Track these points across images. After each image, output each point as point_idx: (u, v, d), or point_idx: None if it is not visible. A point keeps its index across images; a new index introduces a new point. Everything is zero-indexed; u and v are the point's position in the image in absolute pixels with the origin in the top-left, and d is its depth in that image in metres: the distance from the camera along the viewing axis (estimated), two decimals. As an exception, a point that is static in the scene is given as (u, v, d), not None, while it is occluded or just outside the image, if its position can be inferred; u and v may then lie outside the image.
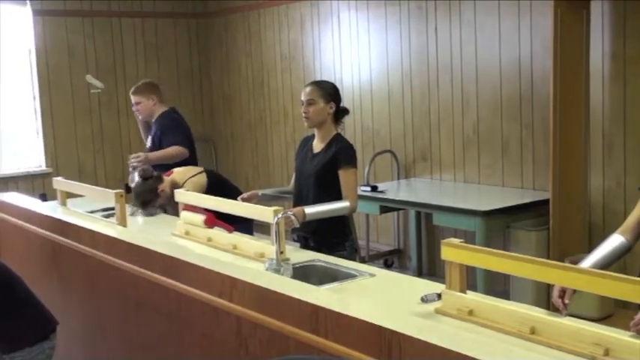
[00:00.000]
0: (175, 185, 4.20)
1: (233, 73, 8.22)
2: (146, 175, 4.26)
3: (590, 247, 3.89)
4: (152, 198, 4.22)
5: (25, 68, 7.52)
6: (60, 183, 4.35)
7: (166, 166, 4.70)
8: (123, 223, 3.69)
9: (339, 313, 2.07)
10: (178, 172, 4.39)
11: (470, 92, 5.68)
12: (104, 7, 7.84)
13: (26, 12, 7.42)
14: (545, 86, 4.88)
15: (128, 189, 4.46)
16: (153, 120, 5.17)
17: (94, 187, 4.31)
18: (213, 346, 2.67)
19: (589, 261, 2.39)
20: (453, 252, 2.27)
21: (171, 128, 5.09)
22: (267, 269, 2.93)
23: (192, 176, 4.33)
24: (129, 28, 8.01)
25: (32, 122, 7.61)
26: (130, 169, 4.79)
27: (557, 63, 4.58)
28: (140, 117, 5.24)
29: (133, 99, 5.17)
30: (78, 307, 3.79)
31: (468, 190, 5.62)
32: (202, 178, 4.35)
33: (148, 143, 5.21)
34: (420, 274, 6.06)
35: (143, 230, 3.69)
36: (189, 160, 4.99)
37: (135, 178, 4.55)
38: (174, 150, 4.97)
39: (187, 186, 4.18)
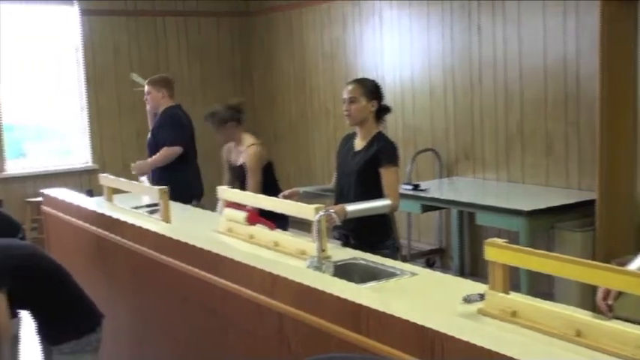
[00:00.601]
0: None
1: (275, 72, 8.25)
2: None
3: (638, 249, 3.82)
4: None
5: (72, 66, 7.66)
6: (106, 179, 4.42)
7: (167, 169, 5.08)
8: (167, 219, 3.73)
9: (380, 312, 2.07)
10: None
11: (514, 90, 5.62)
12: (148, 6, 7.93)
13: (73, 11, 7.56)
14: (592, 84, 4.80)
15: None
16: (158, 112, 5.39)
17: (139, 183, 4.37)
18: (255, 342, 2.69)
19: (636, 263, 2.35)
20: (496, 252, 2.25)
21: (167, 125, 5.29)
22: (308, 267, 2.94)
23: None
24: (172, 27, 8.10)
25: (79, 120, 7.74)
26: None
27: (604, 61, 4.51)
28: (148, 106, 5.49)
29: (146, 88, 5.41)
30: (123, 301, 3.85)
31: (511, 190, 5.56)
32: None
33: (148, 136, 5.44)
34: (462, 273, 6.01)
35: (186, 227, 3.73)
36: (187, 158, 5.25)
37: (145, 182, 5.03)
38: (163, 153, 5.18)
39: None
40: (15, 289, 2.84)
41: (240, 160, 4.47)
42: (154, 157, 5.21)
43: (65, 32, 7.63)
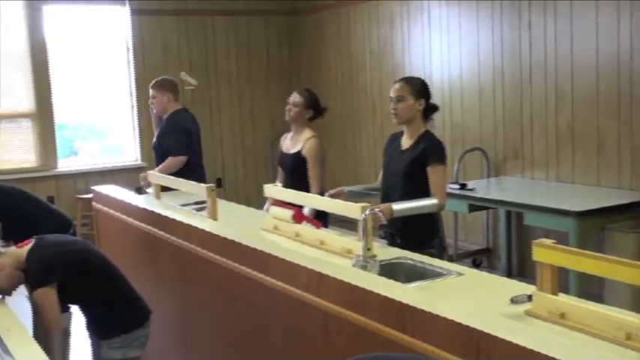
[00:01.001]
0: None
1: (322, 70, 8.27)
2: None
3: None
4: None
5: (123, 66, 7.78)
6: (155, 177, 4.48)
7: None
8: (214, 216, 3.77)
9: (426, 312, 2.06)
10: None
11: (564, 88, 5.53)
12: (198, 6, 8.02)
13: (125, 11, 7.68)
14: (645, 83, 4.70)
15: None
16: (165, 116, 5.32)
17: (186, 181, 4.41)
18: (300, 340, 2.70)
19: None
20: (545, 253, 2.22)
21: (171, 133, 5.23)
22: (353, 265, 2.94)
23: None
24: (221, 26, 8.17)
25: (129, 118, 7.87)
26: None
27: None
28: (154, 110, 5.38)
29: (150, 92, 5.32)
30: (170, 297, 3.90)
31: (561, 190, 5.47)
32: None
33: (154, 140, 5.38)
34: (509, 274, 5.94)
35: (233, 224, 3.76)
36: (193, 164, 5.20)
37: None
38: (168, 163, 5.13)
39: None
40: (66, 284, 2.90)
41: (295, 149, 4.43)
42: (159, 167, 5.15)
43: (116, 32, 7.76)
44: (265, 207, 4.13)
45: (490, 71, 6.15)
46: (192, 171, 5.10)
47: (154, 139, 5.38)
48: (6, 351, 2.28)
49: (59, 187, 7.20)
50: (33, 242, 2.97)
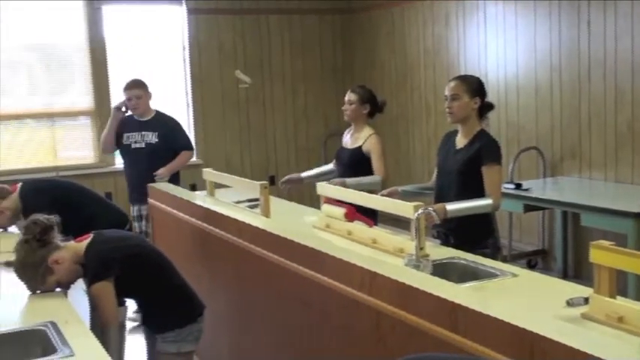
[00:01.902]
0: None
1: (376, 69, 8.24)
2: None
3: None
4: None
5: (179, 64, 7.89)
6: (209, 174, 4.53)
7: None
8: (267, 214, 3.80)
9: (479, 313, 2.04)
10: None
11: (624, 88, 5.41)
12: (253, 5, 8.08)
13: (181, 11, 7.79)
14: None
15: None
16: (146, 118, 5.28)
17: (240, 178, 4.45)
18: (351, 338, 2.70)
19: None
20: (602, 255, 2.17)
21: (180, 129, 5.40)
22: (406, 265, 2.92)
23: None
24: (276, 25, 8.22)
25: (184, 116, 7.97)
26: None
27: None
28: (138, 111, 5.26)
29: (134, 92, 5.23)
30: (223, 293, 3.94)
31: (619, 190, 5.35)
32: None
33: (140, 144, 5.25)
34: (565, 276, 5.83)
35: (286, 222, 3.78)
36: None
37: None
38: (185, 158, 5.32)
39: None
40: (122, 279, 2.95)
41: (355, 145, 4.45)
42: (174, 162, 5.23)
43: (173, 31, 7.87)
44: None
45: (547, 69, 6.05)
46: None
47: (140, 145, 5.24)
48: (64, 342, 2.33)
49: (116, 184, 7.32)
50: (91, 237, 3.04)
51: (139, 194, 5.07)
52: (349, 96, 4.46)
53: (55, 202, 3.85)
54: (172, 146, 5.24)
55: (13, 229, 4.06)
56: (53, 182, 4.54)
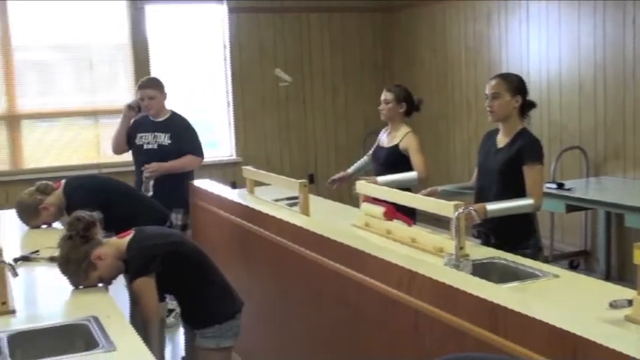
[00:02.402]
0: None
1: (416, 67, 8.20)
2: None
3: None
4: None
5: (220, 63, 7.95)
6: (249, 172, 4.55)
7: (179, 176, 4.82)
8: (306, 212, 3.80)
9: (519, 314, 2.02)
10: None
11: (671, 86, 5.30)
12: (294, 3, 8.11)
13: (222, 10, 7.84)
14: None
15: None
16: (160, 119, 5.01)
17: (279, 176, 4.46)
18: (390, 337, 2.70)
19: None
20: (646, 256, 2.13)
21: (192, 132, 5.05)
22: (445, 264, 2.91)
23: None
24: (316, 23, 8.23)
25: (225, 114, 8.03)
26: (144, 178, 4.79)
27: None
28: (151, 112, 5.00)
29: (147, 92, 4.96)
30: (262, 290, 3.96)
31: (665, 191, 5.25)
32: None
33: (152, 145, 4.98)
34: (608, 277, 5.74)
35: (325, 220, 3.78)
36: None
37: (150, 188, 4.70)
38: (188, 161, 4.94)
39: None
40: (163, 274, 2.98)
41: (392, 143, 4.43)
42: (175, 161, 4.89)
43: (214, 30, 7.93)
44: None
45: (591, 67, 5.96)
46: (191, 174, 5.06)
47: (152, 146, 4.97)
48: (106, 337, 2.37)
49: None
50: (133, 233, 3.07)
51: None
52: (385, 95, 4.44)
53: (97, 199, 3.91)
54: (183, 149, 4.95)
55: (57, 225, 4.13)
56: (96, 179, 4.60)
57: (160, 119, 5.02)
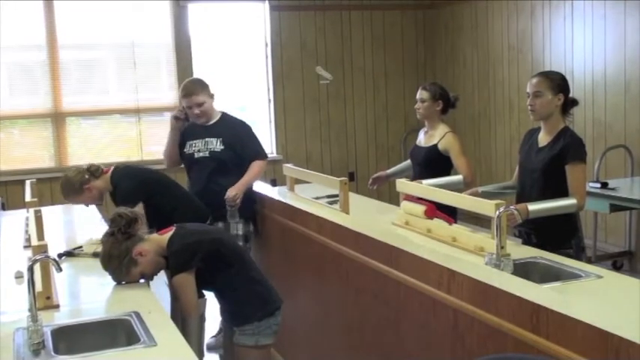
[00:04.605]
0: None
1: (458, 64, 8.14)
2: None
3: None
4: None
5: (261, 61, 7.99)
6: (289, 169, 4.56)
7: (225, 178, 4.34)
8: (346, 210, 3.80)
9: (561, 314, 1.99)
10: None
11: None
12: (335, 1, 8.11)
13: (264, 8, 7.88)
14: None
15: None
16: (210, 122, 4.51)
17: (320, 174, 4.47)
18: (428, 336, 2.68)
19: None
20: (693, 258, 2.09)
21: (252, 135, 4.58)
22: (486, 264, 2.88)
23: None
24: (357, 21, 8.22)
25: (265, 112, 8.07)
26: (229, 208, 4.32)
27: None
28: (202, 119, 4.48)
29: (195, 99, 4.41)
30: (303, 288, 3.98)
31: None
32: None
33: (204, 153, 4.46)
34: (653, 279, 5.63)
35: (365, 218, 3.77)
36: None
37: (236, 215, 4.30)
38: (258, 169, 4.48)
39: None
40: (203, 271, 3.01)
41: (431, 143, 4.38)
42: (244, 177, 4.39)
43: (256, 28, 7.98)
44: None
45: (637, 66, 5.84)
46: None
47: (202, 154, 4.48)
48: (147, 332, 2.40)
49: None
50: (174, 230, 3.11)
51: (214, 212, 4.28)
52: (421, 94, 4.39)
53: (142, 190, 3.99)
54: (241, 154, 4.45)
55: (93, 208, 4.20)
56: (144, 170, 4.49)
57: (211, 123, 4.51)
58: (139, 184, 4.05)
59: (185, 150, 4.54)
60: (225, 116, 4.59)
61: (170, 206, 4.05)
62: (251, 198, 4.52)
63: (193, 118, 4.47)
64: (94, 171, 4.11)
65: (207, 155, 4.45)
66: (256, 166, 4.45)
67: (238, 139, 4.47)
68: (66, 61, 7.25)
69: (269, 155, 7.89)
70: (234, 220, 4.33)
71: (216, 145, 4.45)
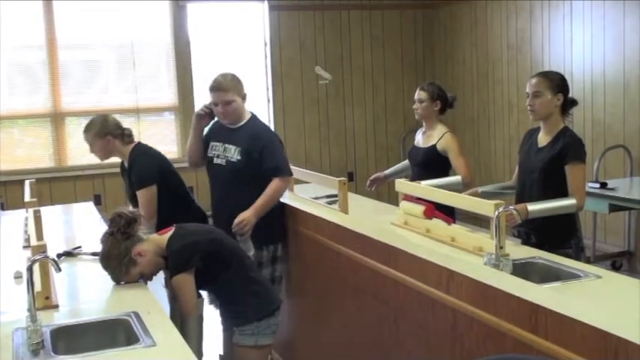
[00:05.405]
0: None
1: (457, 64, 8.14)
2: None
3: None
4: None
5: (260, 60, 7.99)
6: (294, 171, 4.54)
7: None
8: (345, 210, 3.80)
9: (560, 314, 1.99)
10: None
11: None
12: (334, 1, 8.11)
13: (263, 7, 7.88)
14: None
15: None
16: (237, 125, 3.93)
17: (319, 174, 4.47)
18: (427, 336, 2.68)
19: None
20: (692, 258, 2.09)
21: (271, 146, 3.88)
22: (485, 264, 2.88)
23: None
24: (357, 20, 8.22)
25: (264, 111, 8.07)
26: (239, 238, 3.68)
27: None
28: (226, 121, 3.92)
29: (222, 96, 3.87)
30: (301, 288, 3.97)
31: None
32: None
33: (221, 160, 3.92)
34: (652, 279, 5.64)
35: (364, 218, 3.78)
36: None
37: (250, 247, 3.74)
38: (275, 187, 3.79)
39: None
40: (202, 271, 3.01)
41: (429, 144, 4.37)
42: (261, 199, 3.74)
43: (254, 28, 7.98)
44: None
45: (636, 66, 5.85)
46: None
47: (223, 160, 3.92)
48: (146, 332, 2.40)
49: (198, 179, 7.47)
50: (173, 230, 3.11)
51: (226, 226, 3.65)
52: (419, 94, 4.39)
53: (157, 173, 3.98)
54: (257, 168, 3.80)
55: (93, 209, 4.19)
56: (163, 156, 4.28)
57: (236, 126, 3.92)
58: (155, 166, 4.05)
59: (208, 152, 4.02)
60: (251, 121, 3.98)
61: (169, 210, 3.99)
62: (271, 223, 3.87)
63: (218, 116, 3.94)
64: (127, 134, 4.12)
65: (224, 164, 3.90)
66: (274, 185, 3.78)
67: (257, 150, 3.82)
68: (65, 61, 7.25)
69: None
70: (246, 248, 3.65)
71: (233, 153, 3.88)
